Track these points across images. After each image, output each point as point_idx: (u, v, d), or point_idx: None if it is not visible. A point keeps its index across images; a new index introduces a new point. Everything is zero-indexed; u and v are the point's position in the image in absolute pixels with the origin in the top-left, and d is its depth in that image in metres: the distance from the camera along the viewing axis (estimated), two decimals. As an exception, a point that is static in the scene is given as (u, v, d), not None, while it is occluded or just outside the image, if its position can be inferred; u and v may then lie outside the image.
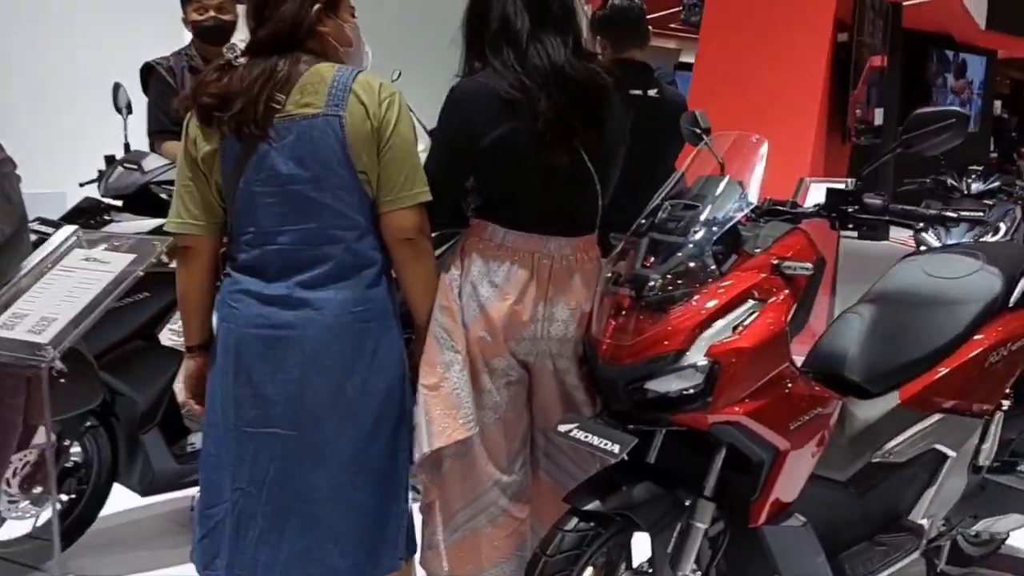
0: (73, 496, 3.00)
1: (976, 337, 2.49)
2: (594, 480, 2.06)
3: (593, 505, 1.95)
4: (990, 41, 13.20)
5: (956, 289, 2.59)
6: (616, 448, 1.92)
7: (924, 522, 2.43)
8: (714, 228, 1.99)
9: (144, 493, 3.04)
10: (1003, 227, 4.32)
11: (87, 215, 2.90)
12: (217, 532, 2.02)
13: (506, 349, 2.08)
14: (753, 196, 2.03)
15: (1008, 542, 3.06)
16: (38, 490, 2.87)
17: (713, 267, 1.96)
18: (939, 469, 2.45)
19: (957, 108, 2.07)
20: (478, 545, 2.15)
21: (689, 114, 2.42)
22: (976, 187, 4.49)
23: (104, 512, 3.08)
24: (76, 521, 3.03)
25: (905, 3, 10.85)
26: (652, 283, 1.96)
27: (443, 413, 2.03)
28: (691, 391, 1.92)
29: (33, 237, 2.61)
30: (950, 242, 4.34)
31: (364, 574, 2.05)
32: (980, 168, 4.59)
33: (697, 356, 1.91)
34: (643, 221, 2.09)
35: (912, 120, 2.07)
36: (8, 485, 2.84)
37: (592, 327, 2.06)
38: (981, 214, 4.34)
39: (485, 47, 2.08)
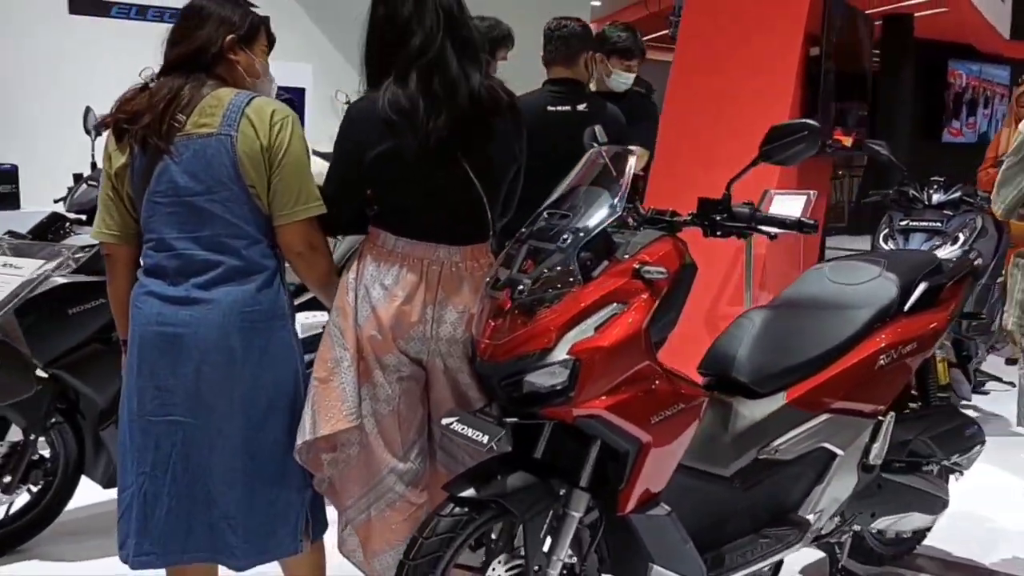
0: (40, 487, 3.24)
1: (867, 341, 2.61)
2: (474, 469, 2.21)
3: (468, 492, 2.10)
4: (1016, 50, 13.11)
5: (853, 294, 2.70)
6: (485, 439, 2.07)
7: (811, 517, 2.53)
8: (581, 235, 2.13)
9: (107, 485, 3.26)
10: (961, 237, 4.38)
11: (52, 228, 3.14)
12: (127, 514, 2.21)
13: (395, 347, 2.25)
14: (618, 205, 2.16)
15: (927, 543, 3.15)
16: (7, 479, 3.11)
17: (578, 272, 2.11)
18: (828, 467, 2.56)
19: (809, 120, 2.18)
20: (378, 528, 2.32)
21: (590, 129, 2.57)
22: (937, 197, 4.55)
23: (72, 504, 3.33)
24: (44, 510, 3.27)
25: (917, 14, 10.88)
26: (522, 287, 2.11)
27: (330, 404, 2.21)
28: (558, 387, 2.07)
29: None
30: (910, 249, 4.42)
31: (262, 553, 2.24)
32: (942, 179, 4.65)
33: (560, 354, 2.06)
34: (524, 229, 2.25)
35: (770, 133, 2.20)
36: (-22, 476, 3.09)
37: (474, 328, 2.22)
38: (928, 220, 4.44)
39: (392, 67, 2.22)
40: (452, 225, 2.26)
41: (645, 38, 4.83)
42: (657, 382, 2.15)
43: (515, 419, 2.16)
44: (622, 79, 4.39)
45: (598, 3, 10.59)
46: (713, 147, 4.96)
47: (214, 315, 2.14)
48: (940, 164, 6.96)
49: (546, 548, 2.16)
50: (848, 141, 5.89)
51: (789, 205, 4.72)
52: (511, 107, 2.32)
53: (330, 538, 2.44)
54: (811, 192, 4.65)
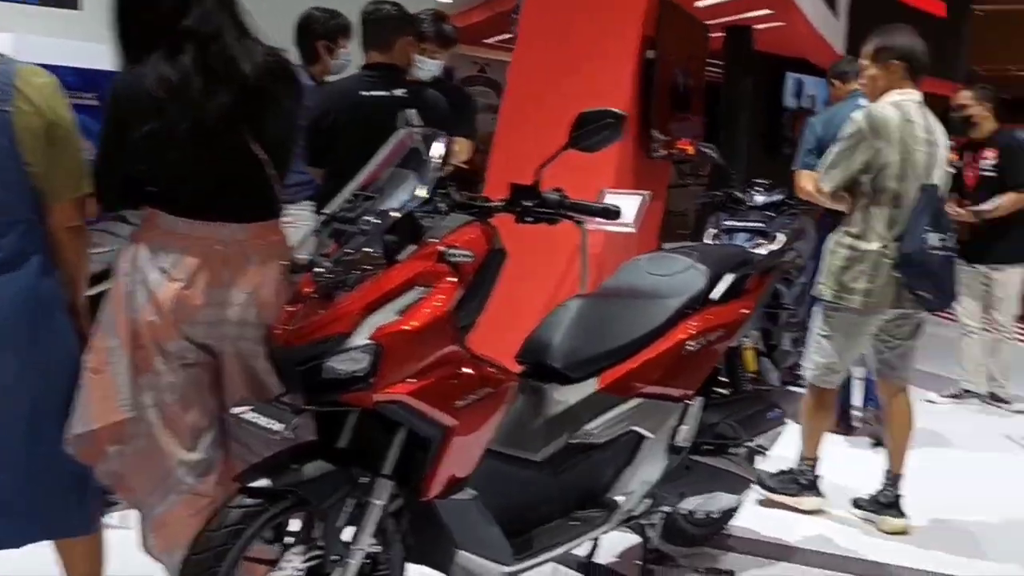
0: None
1: (676, 328, 2.67)
2: (269, 460, 2.12)
3: (260, 482, 2.03)
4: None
5: (664, 284, 2.76)
6: (280, 427, 1.99)
7: (620, 499, 2.57)
8: (386, 217, 2.09)
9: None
10: (780, 236, 4.59)
11: None
12: None
13: (178, 332, 2.12)
14: (426, 188, 2.13)
15: (734, 522, 3.27)
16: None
17: (381, 255, 2.06)
18: (637, 449, 2.61)
19: (615, 109, 2.22)
20: (170, 523, 2.20)
21: (403, 113, 2.54)
22: (759, 199, 4.76)
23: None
24: None
25: (756, 26, 11.36)
26: (321, 270, 2.05)
27: (102, 396, 2.09)
28: (359, 373, 2.01)
29: None
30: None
31: (45, 534, 2.18)
32: (765, 182, 4.87)
33: (361, 338, 2.00)
34: (327, 212, 2.18)
35: (578, 120, 2.22)
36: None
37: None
38: (752, 220, 4.63)
39: (160, 39, 2.09)
40: (237, 203, 2.16)
41: (494, 39, 4.80)
42: (463, 367, 2.13)
43: (314, 407, 2.09)
44: (416, 62, 3.84)
45: (449, 0, 10.58)
46: (550, 142, 5.02)
47: (2, 303, 2.02)
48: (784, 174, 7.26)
49: (350, 538, 2.10)
50: (691, 149, 6.11)
51: (623, 204, 4.82)
52: (292, 75, 2.25)
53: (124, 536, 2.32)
54: (646, 193, 4.76)
